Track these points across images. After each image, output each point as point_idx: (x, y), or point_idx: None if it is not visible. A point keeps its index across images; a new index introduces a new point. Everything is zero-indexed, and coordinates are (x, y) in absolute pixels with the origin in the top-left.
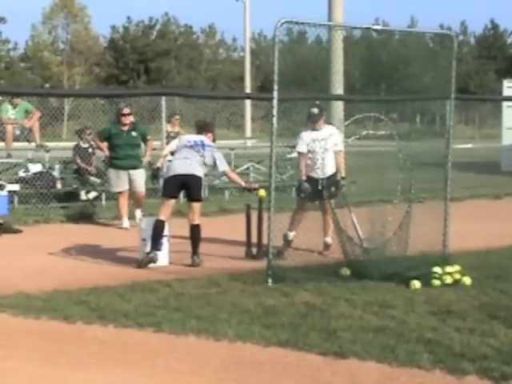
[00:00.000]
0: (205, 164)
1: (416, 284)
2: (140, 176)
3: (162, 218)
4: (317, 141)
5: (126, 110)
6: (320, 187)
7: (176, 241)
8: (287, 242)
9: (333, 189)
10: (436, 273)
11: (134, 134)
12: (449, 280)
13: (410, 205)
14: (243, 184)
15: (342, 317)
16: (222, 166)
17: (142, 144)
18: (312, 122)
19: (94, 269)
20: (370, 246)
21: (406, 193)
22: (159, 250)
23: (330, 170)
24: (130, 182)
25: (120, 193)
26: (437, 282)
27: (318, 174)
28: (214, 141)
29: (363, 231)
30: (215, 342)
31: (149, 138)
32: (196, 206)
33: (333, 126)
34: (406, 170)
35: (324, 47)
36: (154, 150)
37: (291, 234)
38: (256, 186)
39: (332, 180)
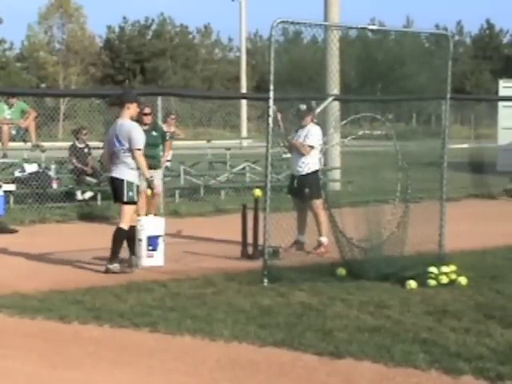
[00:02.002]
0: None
1: (412, 284)
2: (158, 176)
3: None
4: (298, 137)
5: (147, 110)
6: (296, 185)
7: (172, 241)
8: (299, 246)
9: (306, 190)
10: (432, 273)
11: (154, 133)
12: (444, 280)
13: (408, 205)
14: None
15: (337, 317)
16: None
17: None
18: (298, 118)
19: (90, 269)
20: (366, 246)
21: (403, 193)
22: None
23: (303, 169)
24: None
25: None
26: (432, 282)
27: (294, 171)
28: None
29: (360, 231)
30: (211, 342)
31: (167, 137)
32: (124, 207)
33: (317, 126)
34: (402, 169)
35: (320, 47)
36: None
37: (302, 237)
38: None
39: (305, 180)
